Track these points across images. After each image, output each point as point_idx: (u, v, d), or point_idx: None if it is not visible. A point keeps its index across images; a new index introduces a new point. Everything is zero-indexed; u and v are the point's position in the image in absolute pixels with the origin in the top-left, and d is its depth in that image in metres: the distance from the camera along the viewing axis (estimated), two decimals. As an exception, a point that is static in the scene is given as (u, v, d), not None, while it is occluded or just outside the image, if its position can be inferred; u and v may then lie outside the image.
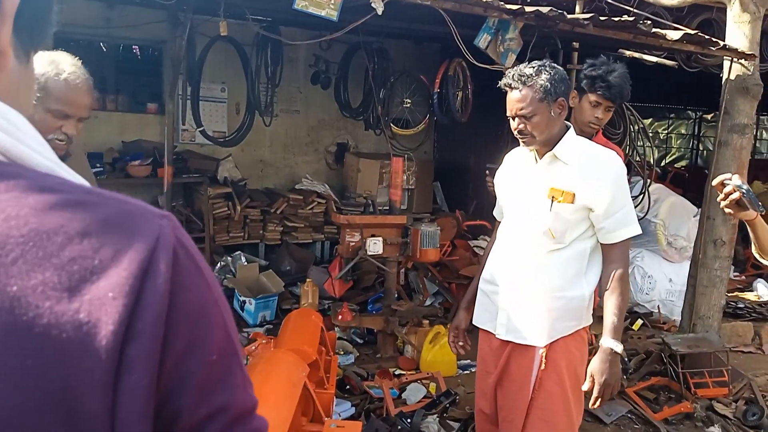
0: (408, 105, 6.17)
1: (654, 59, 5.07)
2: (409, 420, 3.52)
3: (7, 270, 0.44)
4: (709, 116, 14.41)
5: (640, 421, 3.92)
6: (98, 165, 5.32)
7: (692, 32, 4.30)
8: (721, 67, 4.65)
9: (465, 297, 2.71)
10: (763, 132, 15.90)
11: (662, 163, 14.92)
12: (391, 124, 6.12)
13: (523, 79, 2.25)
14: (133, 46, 6.90)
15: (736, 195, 1.93)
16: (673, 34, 4.21)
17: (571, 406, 2.40)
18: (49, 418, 0.44)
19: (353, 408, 3.74)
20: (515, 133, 2.32)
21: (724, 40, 4.39)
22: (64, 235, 0.47)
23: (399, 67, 6.26)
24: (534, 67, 2.27)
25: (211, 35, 4.90)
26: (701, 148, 15.52)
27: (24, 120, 0.53)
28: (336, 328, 4.63)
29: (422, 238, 4.44)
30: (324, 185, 6.75)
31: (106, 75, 6.59)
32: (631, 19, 3.90)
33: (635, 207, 5.60)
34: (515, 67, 2.32)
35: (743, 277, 7.13)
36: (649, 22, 4.03)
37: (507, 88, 2.31)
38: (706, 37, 4.27)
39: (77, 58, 1.90)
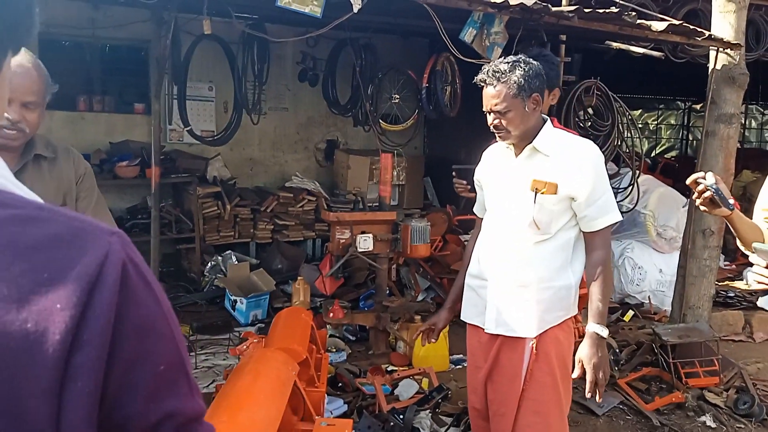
0: (396, 101, 6.16)
1: (641, 50, 5.08)
2: (401, 416, 3.52)
3: None
4: (698, 106, 14.46)
5: (632, 411, 3.93)
6: (86, 167, 5.28)
7: (677, 23, 4.31)
8: (708, 57, 4.66)
9: (449, 297, 2.74)
10: (752, 121, 15.97)
11: (652, 154, 14.99)
12: (380, 120, 6.11)
13: (497, 75, 2.28)
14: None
15: (707, 194, 1.95)
16: (658, 25, 4.22)
17: (561, 396, 2.43)
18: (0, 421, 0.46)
19: (346, 405, 3.74)
20: (491, 128, 2.36)
21: (710, 31, 4.40)
22: (14, 249, 0.49)
23: (387, 63, 6.25)
24: (509, 63, 2.30)
25: (197, 34, 4.89)
26: (691, 138, 15.58)
27: None
28: (328, 326, 4.62)
29: (412, 233, 4.44)
30: (314, 183, 6.74)
31: (93, 76, 6.55)
32: (616, 10, 3.90)
33: (625, 198, 5.66)
34: (490, 63, 2.35)
35: (733, 266, 7.17)
36: (633, 13, 4.03)
37: (482, 84, 2.33)
38: (691, 27, 4.28)
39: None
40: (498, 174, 2.49)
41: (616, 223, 2.40)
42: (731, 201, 1.97)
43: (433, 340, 2.73)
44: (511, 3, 3.70)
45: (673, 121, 16.97)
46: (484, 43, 3.92)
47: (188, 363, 0.58)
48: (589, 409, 3.89)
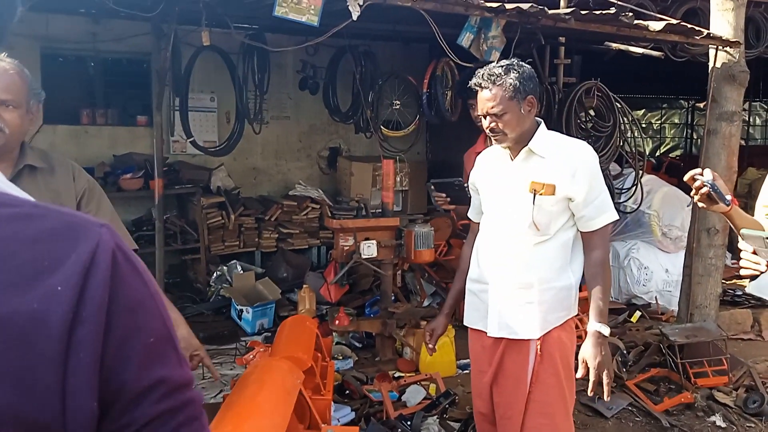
0: (397, 107, 6.16)
1: (640, 51, 5.08)
2: (409, 422, 3.51)
3: None
4: (701, 105, 14.39)
5: (641, 413, 3.91)
6: (90, 180, 5.31)
7: (675, 22, 4.30)
8: (708, 55, 4.66)
9: (446, 302, 2.76)
10: (756, 118, 15.91)
11: (657, 153, 14.95)
12: (382, 127, 6.12)
13: (492, 78, 2.30)
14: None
15: (704, 190, 1.96)
16: (656, 25, 4.21)
17: (567, 397, 2.43)
18: (9, 391, 0.53)
19: (353, 413, 3.73)
20: (487, 131, 2.37)
21: (709, 29, 4.39)
22: (18, 241, 0.56)
23: (387, 69, 6.26)
24: (503, 66, 2.32)
25: (197, 45, 4.90)
26: (695, 137, 15.54)
27: None
28: (334, 333, 4.62)
29: (416, 239, 4.43)
30: (318, 190, 6.75)
31: (95, 89, 6.59)
32: (612, 11, 3.90)
33: (629, 198, 5.64)
34: (485, 67, 2.37)
35: (740, 264, 7.12)
36: (630, 14, 4.03)
37: (477, 88, 2.35)
38: (690, 26, 4.28)
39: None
40: (494, 177, 2.49)
41: (613, 222, 2.42)
42: (728, 197, 1.98)
43: (430, 346, 2.73)
44: (508, 7, 3.71)
45: (676, 120, 16.94)
46: (481, 48, 3.92)
47: (176, 337, 0.65)
48: (598, 411, 3.87)
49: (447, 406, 3.77)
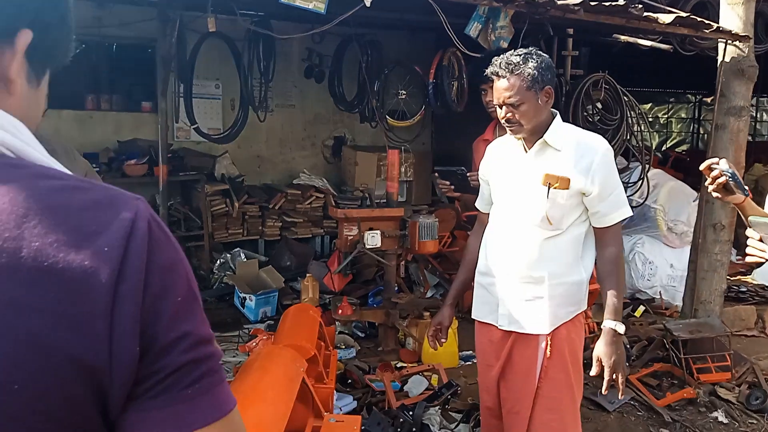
0: (403, 96, 6.13)
1: (648, 43, 5.04)
2: (411, 412, 3.50)
3: (30, 232, 0.62)
4: (708, 100, 14.33)
5: (644, 407, 3.91)
6: (94, 165, 5.29)
7: (684, 15, 4.26)
8: (716, 50, 4.62)
9: (450, 293, 2.71)
10: (764, 114, 15.81)
11: (663, 148, 14.88)
12: (387, 116, 6.09)
13: (510, 67, 2.23)
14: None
15: (722, 179, 1.93)
16: (665, 18, 4.17)
17: (575, 393, 2.41)
18: (65, 334, 0.62)
19: (355, 402, 3.73)
20: (503, 121, 2.31)
21: (718, 23, 4.35)
22: (68, 208, 0.65)
23: (393, 59, 6.22)
24: (521, 55, 2.25)
25: (203, 32, 4.87)
26: (702, 132, 15.46)
27: (25, 128, 0.71)
28: (337, 323, 4.62)
29: (420, 230, 4.42)
30: (322, 179, 6.73)
31: (100, 75, 6.57)
32: (622, 3, 3.86)
33: (635, 193, 5.62)
34: (502, 56, 2.29)
35: (745, 261, 7.10)
36: (640, 5, 3.99)
37: (494, 77, 2.28)
38: (699, 19, 4.24)
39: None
40: (507, 169, 2.43)
41: (637, 222, 2.38)
42: (746, 187, 1.95)
43: (443, 340, 2.69)
44: (517, -4, 3.68)
45: (683, 115, 16.85)
46: (489, 38, 3.89)
47: (200, 299, 0.73)
48: (600, 405, 3.87)
49: (449, 397, 3.77)
